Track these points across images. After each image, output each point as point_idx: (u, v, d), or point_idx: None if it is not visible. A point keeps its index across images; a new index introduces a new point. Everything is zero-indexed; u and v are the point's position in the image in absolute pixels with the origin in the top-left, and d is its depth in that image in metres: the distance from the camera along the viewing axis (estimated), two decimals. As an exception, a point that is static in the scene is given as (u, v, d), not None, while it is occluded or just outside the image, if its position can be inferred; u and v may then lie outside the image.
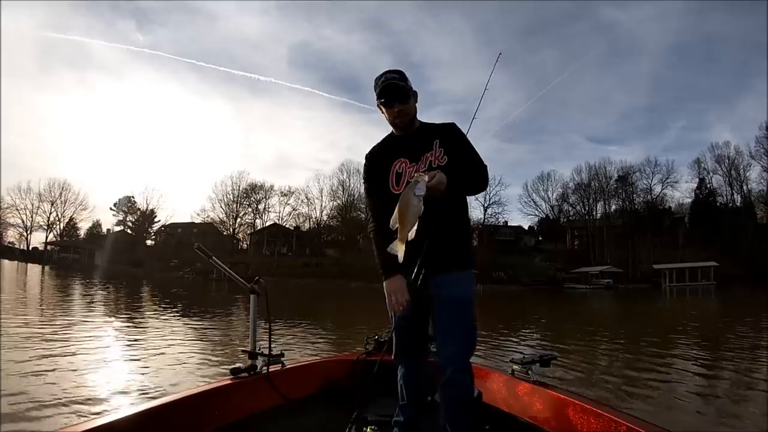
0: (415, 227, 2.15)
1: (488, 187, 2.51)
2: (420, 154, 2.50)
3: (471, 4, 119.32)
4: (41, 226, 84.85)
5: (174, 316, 16.43)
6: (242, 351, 3.17)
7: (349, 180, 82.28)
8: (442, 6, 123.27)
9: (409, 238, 2.17)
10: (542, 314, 23.40)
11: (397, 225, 2.17)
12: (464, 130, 2.68)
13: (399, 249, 2.20)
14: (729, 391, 7.13)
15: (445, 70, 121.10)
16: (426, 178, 2.16)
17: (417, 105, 2.60)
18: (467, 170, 2.45)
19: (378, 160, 2.62)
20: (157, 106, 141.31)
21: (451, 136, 2.53)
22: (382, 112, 2.56)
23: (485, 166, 2.54)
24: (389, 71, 2.49)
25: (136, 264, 73.10)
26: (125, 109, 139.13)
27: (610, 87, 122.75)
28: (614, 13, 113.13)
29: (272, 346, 3.05)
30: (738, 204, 73.60)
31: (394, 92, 2.46)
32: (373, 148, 2.69)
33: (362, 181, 2.72)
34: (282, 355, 3.17)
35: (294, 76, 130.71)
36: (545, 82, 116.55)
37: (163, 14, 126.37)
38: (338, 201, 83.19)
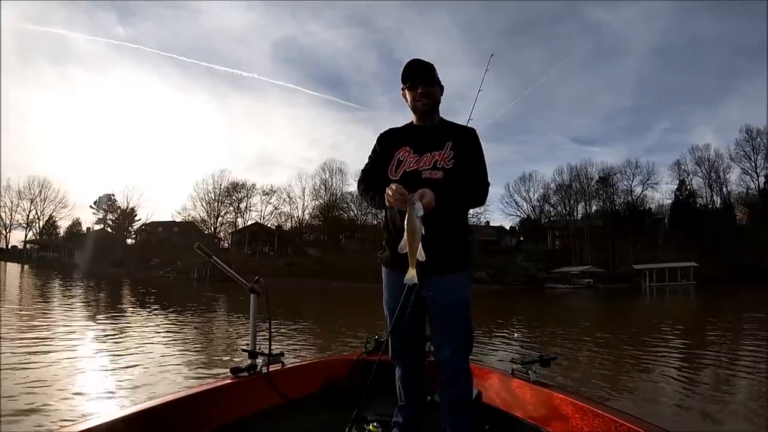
0: (421, 246, 2.17)
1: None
2: (428, 149, 2.47)
3: (457, 3, 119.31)
4: (20, 224, 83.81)
5: (168, 315, 16.26)
6: (242, 350, 3.17)
7: (332, 179, 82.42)
8: (428, 4, 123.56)
9: (422, 260, 2.18)
10: (524, 313, 23.57)
11: (406, 250, 2.18)
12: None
13: (413, 275, 2.22)
14: (712, 381, 7.32)
15: None
16: (417, 197, 2.16)
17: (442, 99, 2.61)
18: (468, 185, 2.43)
19: (386, 142, 2.62)
20: (138, 102, 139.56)
21: (466, 141, 2.50)
22: (406, 101, 2.56)
23: (488, 184, 2.52)
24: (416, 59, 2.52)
25: (117, 263, 72.26)
26: (106, 105, 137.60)
27: (594, 87, 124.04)
28: (601, 14, 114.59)
29: (271, 345, 3.05)
30: (718, 205, 74.72)
31: (419, 70, 2.48)
32: (387, 130, 2.69)
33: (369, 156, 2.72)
34: (282, 354, 3.16)
35: (278, 72, 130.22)
36: (530, 81, 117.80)
37: (145, 7, 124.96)
38: (320, 200, 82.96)
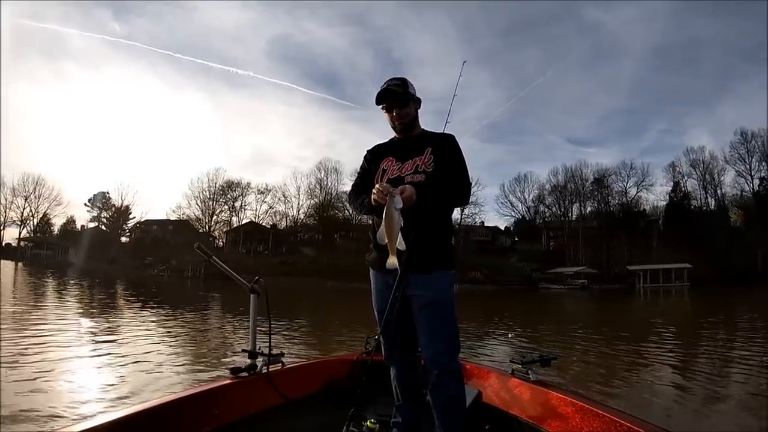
0: (400, 237, 2.26)
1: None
2: (409, 157, 2.60)
3: (454, 2, 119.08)
4: (14, 221, 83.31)
5: (165, 314, 16.19)
6: (242, 350, 3.18)
7: (327, 178, 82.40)
8: (425, 4, 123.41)
9: (401, 249, 2.27)
10: (520, 313, 23.57)
11: (386, 240, 2.27)
12: (438, 131, 2.80)
13: (394, 261, 2.31)
14: (708, 379, 7.38)
15: (426, 67, 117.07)
16: (398, 191, 2.27)
17: (420, 111, 2.74)
18: (449, 184, 2.51)
19: (373, 157, 2.77)
20: (133, 99, 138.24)
21: (445, 146, 2.61)
22: (386, 119, 2.71)
23: (469, 184, 2.62)
24: (392, 78, 2.65)
25: (111, 261, 72.01)
26: (101, 102, 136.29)
27: (591, 88, 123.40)
28: (598, 14, 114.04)
29: (271, 345, 3.06)
30: (712, 207, 74.74)
31: (390, 97, 2.60)
32: (373, 146, 2.83)
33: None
34: (282, 354, 3.18)
35: (273, 70, 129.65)
36: (527, 82, 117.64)
37: (141, 5, 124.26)
38: (315, 199, 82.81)
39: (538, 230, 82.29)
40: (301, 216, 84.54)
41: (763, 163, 70.40)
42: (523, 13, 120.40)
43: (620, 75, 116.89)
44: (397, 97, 2.60)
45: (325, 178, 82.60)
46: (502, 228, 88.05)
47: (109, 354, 8.24)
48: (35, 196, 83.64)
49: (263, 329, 3.11)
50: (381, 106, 2.66)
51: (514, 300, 37.27)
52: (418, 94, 2.69)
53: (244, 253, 76.59)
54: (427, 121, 2.78)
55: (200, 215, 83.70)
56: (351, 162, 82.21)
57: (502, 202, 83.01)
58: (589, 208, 79.66)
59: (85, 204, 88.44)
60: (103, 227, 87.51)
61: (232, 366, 2.96)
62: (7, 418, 4.57)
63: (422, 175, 2.52)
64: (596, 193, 77.92)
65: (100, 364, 7.49)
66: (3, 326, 10.42)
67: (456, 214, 73.15)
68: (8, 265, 55.69)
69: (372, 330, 3.78)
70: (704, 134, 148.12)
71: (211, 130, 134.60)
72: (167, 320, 14.43)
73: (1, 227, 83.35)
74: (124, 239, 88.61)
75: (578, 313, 26.43)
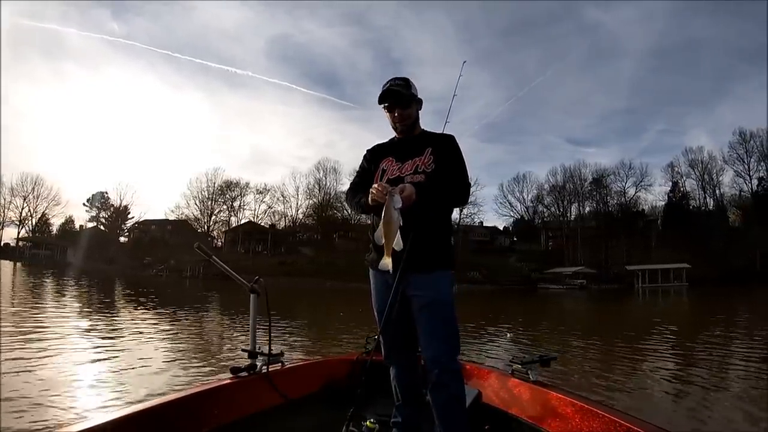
0: (399, 236, 2.25)
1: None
2: (409, 157, 2.59)
3: (454, 2, 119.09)
4: (13, 221, 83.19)
5: (164, 314, 16.16)
6: (242, 350, 3.17)
7: (326, 178, 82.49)
8: (425, 4, 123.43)
9: (397, 249, 2.27)
10: (519, 313, 23.55)
11: (383, 240, 2.27)
12: (438, 131, 2.81)
13: (388, 262, 2.32)
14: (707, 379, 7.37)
15: (426, 67, 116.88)
16: (397, 190, 2.26)
17: (420, 112, 2.73)
18: (448, 184, 2.50)
19: (372, 156, 2.76)
20: (132, 99, 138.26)
21: (445, 146, 2.61)
22: (387, 119, 2.69)
23: (468, 184, 2.62)
24: (395, 78, 2.64)
25: (109, 261, 71.94)
26: (100, 101, 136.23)
27: (590, 88, 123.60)
28: (598, 15, 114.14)
29: (271, 345, 3.05)
30: (711, 207, 74.85)
31: (393, 97, 2.59)
32: (373, 146, 2.83)
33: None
34: (282, 354, 3.17)
35: (272, 70, 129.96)
36: (526, 81, 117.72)
37: (140, 4, 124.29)
38: (314, 199, 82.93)
39: (537, 230, 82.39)
40: (300, 216, 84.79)
41: (762, 163, 70.66)
42: (523, 13, 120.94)
43: (619, 75, 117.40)
44: (400, 98, 2.59)
45: (324, 178, 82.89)
46: (501, 228, 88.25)
47: (109, 355, 8.23)
48: (34, 196, 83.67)
49: (263, 329, 3.11)
50: (383, 105, 2.64)
51: (513, 300, 37.33)
52: (418, 95, 2.67)
53: (243, 253, 76.55)
54: (427, 121, 2.76)
55: (199, 215, 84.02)
56: (350, 162, 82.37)
57: (500, 202, 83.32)
58: (587, 208, 79.90)
59: (84, 204, 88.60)
60: (102, 227, 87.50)
61: (232, 366, 2.96)
62: (8, 418, 4.57)
63: (422, 176, 2.52)
64: (595, 193, 78.03)
65: (99, 364, 7.47)
66: (6, 328, 10.40)
67: (455, 214, 72.59)
68: (7, 265, 55.63)
69: (372, 330, 3.78)
70: (703, 134, 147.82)
71: (210, 129, 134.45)
72: (167, 320, 14.41)
73: (0, 227, 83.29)
74: (122, 239, 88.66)
75: (577, 312, 26.47)
